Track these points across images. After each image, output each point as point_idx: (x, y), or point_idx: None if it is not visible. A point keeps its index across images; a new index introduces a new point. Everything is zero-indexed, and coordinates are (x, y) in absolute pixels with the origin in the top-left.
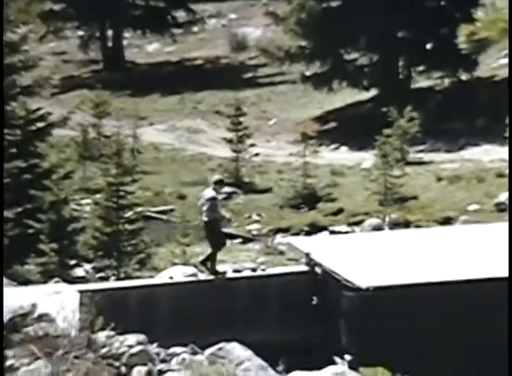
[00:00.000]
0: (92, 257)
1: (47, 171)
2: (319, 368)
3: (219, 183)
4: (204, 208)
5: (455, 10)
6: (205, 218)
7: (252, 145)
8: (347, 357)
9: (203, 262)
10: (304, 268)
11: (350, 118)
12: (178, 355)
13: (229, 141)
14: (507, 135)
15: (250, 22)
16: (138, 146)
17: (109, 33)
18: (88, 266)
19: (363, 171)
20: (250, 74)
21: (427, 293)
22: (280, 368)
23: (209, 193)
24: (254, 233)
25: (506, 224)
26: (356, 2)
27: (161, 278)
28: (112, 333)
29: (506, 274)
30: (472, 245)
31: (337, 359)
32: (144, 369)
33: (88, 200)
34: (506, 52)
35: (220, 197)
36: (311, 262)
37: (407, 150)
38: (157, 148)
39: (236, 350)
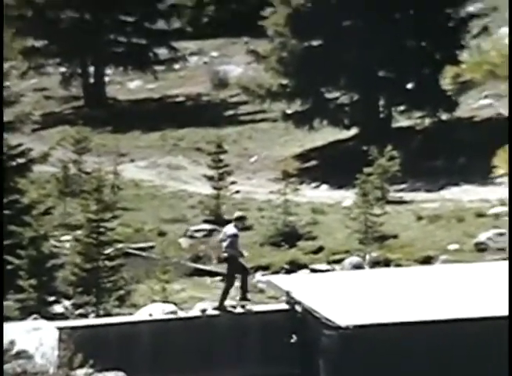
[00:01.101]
0: (72, 293)
1: (27, 206)
2: None
3: (240, 220)
4: (224, 244)
5: (435, 50)
6: (224, 254)
7: (233, 182)
8: None
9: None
10: (285, 306)
11: (331, 157)
12: None
13: (210, 178)
14: (492, 175)
15: (231, 60)
16: (119, 182)
17: (91, 69)
18: (67, 303)
19: (344, 209)
20: (231, 112)
21: (407, 332)
22: None
23: (230, 229)
24: None
25: (486, 264)
26: (337, 41)
27: (141, 315)
28: (91, 370)
29: (485, 314)
30: (452, 285)
31: None
32: None
33: (68, 237)
34: (487, 93)
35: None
36: (291, 300)
37: (387, 189)
38: (138, 185)
39: None
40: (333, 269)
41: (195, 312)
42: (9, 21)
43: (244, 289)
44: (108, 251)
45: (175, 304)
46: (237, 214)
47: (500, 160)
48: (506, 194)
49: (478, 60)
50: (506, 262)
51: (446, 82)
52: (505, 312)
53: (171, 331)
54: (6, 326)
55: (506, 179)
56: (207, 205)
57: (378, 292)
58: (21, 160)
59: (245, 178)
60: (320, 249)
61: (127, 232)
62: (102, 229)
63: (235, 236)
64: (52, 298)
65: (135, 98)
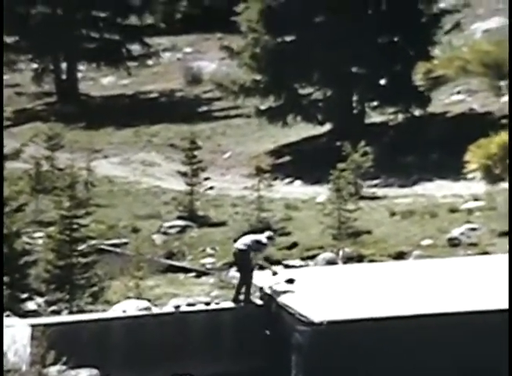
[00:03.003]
0: (45, 290)
1: None
2: None
3: (272, 238)
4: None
5: (408, 46)
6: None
7: (206, 178)
8: None
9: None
10: (258, 302)
11: (304, 152)
12: None
13: (184, 174)
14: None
15: (205, 56)
16: (92, 178)
17: (64, 65)
18: (40, 300)
19: (317, 205)
20: (205, 108)
21: (381, 328)
22: None
23: (263, 238)
24: (208, 266)
25: (459, 259)
26: (310, 37)
27: (114, 312)
28: (64, 367)
29: (458, 308)
30: (425, 280)
31: None
32: None
33: (41, 233)
34: (459, 88)
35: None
36: (265, 296)
37: (361, 185)
38: (111, 181)
39: None
40: (307, 265)
41: (169, 308)
42: None
43: (248, 290)
44: (81, 247)
45: (149, 300)
46: (268, 233)
47: (472, 155)
48: (479, 189)
49: (450, 56)
50: (480, 257)
51: (418, 78)
52: (479, 307)
53: (145, 328)
54: None
55: (478, 174)
56: (181, 201)
57: (352, 288)
58: None
59: (219, 175)
60: (294, 245)
61: (100, 228)
62: (75, 226)
63: (265, 245)
64: (24, 295)
65: (108, 94)
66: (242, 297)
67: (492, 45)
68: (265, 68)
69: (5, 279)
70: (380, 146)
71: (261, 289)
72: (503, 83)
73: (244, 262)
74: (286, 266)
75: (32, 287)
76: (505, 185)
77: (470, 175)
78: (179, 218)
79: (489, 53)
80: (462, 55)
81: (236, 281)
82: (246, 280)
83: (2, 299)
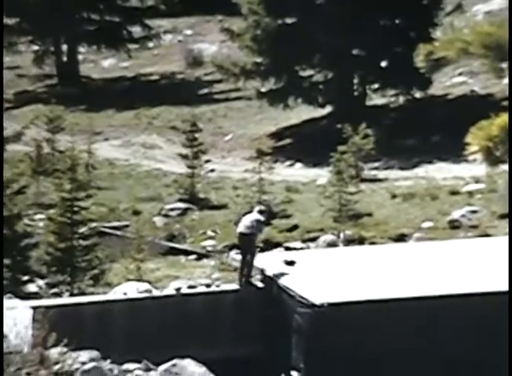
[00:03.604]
0: (46, 273)
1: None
2: None
3: (263, 212)
4: (248, 224)
5: (409, 28)
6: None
7: (207, 161)
8: (294, 374)
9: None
10: (259, 284)
11: (305, 135)
12: (131, 371)
13: (185, 157)
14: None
15: (205, 38)
16: (93, 161)
17: (64, 47)
18: (41, 282)
19: (318, 187)
20: (205, 90)
21: (382, 309)
22: None
23: (255, 215)
24: (209, 249)
25: (460, 241)
26: (311, 19)
27: (115, 294)
28: (65, 349)
29: (458, 291)
30: (426, 262)
31: None
32: None
33: (42, 216)
34: (461, 70)
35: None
36: (265, 279)
37: (362, 167)
38: (112, 163)
39: (190, 367)
40: (308, 247)
41: (170, 290)
42: None
43: (250, 272)
44: (82, 230)
45: (150, 283)
46: (259, 207)
47: (473, 137)
48: (480, 172)
49: (451, 38)
50: (480, 239)
51: (419, 60)
52: (480, 288)
53: (146, 310)
54: None
55: (478, 156)
56: (182, 184)
57: (352, 270)
58: None
59: (220, 157)
60: (295, 227)
61: (101, 211)
62: (76, 209)
63: (263, 222)
64: (26, 278)
65: (109, 76)
66: (244, 279)
67: (493, 26)
68: (265, 50)
69: (7, 261)
70: (381, 129)
71: (261, 271)
72: (504, 65)
73: (249, 244)
74: (287, 249)
75: (33, 270)
76: (505, 167)
77: (470, 157)
78: (180, 200)
79: (490, 35)
80: (463, 37)
81: (236, 264)
82: (249, 262)
83: (2, 285)
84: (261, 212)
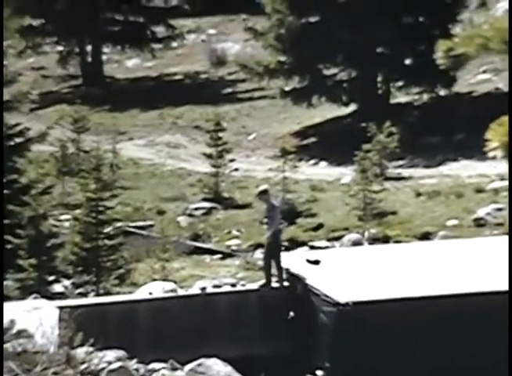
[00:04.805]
0: (71, 273)
1: (26, 186)
2: None
3: (264, 193)
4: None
5: (433, 26)
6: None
7: (232, 160)
8: (319, 373)
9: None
10: (284, 283)
11: (329, 133)
12: (157, 371)
13: (209, 156)
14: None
15: (229, 37)
16: (118, 161)
17: (89, 48)
18: (67, 282)
19: (342, 186)
20: (229, 90)
21: (406, 308)
22: None
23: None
24: (234, 248)
25: (485, 239)
26: (335, 18)
27: (141, 294)
28: (91, 349)
29: (485, 289)
30: (451, 260)
31: None
32: None
33: (67, 216)
34: (485, 67)
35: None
36: (290, 277)
37: (386, 166)
38: (137, 163)
39: (216, 366)
40: (333, 246)
41: (195, 290)
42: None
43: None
44: (107, 229)
45: (175, 282)
46: (261, 188)
47: (493, 133)
48: (505, 169)
49: (470, 34)
50: (506, 237)
51: (439, 56)
52: (505, 287)
53: (171, 310)
54: (6, 305)
55: (499, 153)
56: (206, 183)
57: (377, 269)
58: (19, 140)
59: (244, 156)
60: (319, 226)
61: (126, 211)
62: (101, 208)
63: (274, 207)
64: (51, 278)
65: (133, 76)
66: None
67: None
68: (289, 49)
69: (33, 261)
70: (405, 127)
71: (286, 270)
72: None
73: (279, 241)
74: (312, 248)
75: (59, 270)
76: None
77: (490, 154)
78: (204, 200)
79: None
80: (482, 32)
81: (261, 263)
82: (279, 260)
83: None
84: (261, 193)
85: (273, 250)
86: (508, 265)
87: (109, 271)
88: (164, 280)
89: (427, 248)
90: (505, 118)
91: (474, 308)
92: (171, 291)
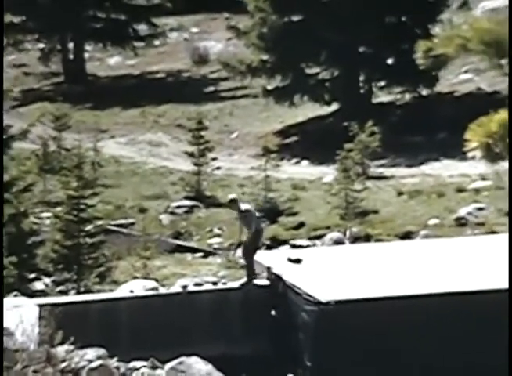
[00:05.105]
0: (52, 270)
1: (7, 184)
2: None
3: (233, 202)
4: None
5: (415, 26)
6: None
7: (214, 159)
8: (300, 371)
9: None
10: (266, 282)
11: (311, 132)
12: (138, 369)
13: (191, 155)
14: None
15: (211, 36)
16: (99, 159)
17: (71, 45)
18: (47, 280)
19: (324, 185)
20: (211, 88)
21: (388, 307)
22: None
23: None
24: (216, 246)
25: (466, 238)
26: (317, 17)
27: (122, 292)
28: (71, 347)
29: (466, 288)
30: (432, 259)
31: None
32: None
33: (48, 214)
34: (467, 67)
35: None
36: (272, 276)
37: (368, 165)
38: (118, 161)
39: (197, 364)
40: (314, 245)
41: (176, 288)
42: None
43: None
44: (88, 227)
45: (156, 280)
46: (230, 196)
47: (472, 134)
48: (486, 169)
49: (450, 34)
50: (487, 237)
51: (419, 57)
52: (487, 286)
53: (152, 308)
54: None
55: (478, 153)
56: (188, 182)
57: (359, 268)
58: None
59: (226, 155)
60: (301, 225)
61: (107, 209)
62: (82, 206)
63: (246, 212)
64: (32, 275)
65: (115, 74)
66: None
67: (491, 22)
68: (272, 48)
69: (13, 259)
70: (387, 126)
71: (268, 269)
72: (504, 61)
73: (258, 241)
74: (294, 246)
75: (40, 267)
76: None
77: (470, 154)
78: (186, 198)
79: (489, 31)
80: (462, 33)
81: (242, 261)
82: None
83: (2, 285)
84: (231, 201)
85: (252, 248)
86: (508, 264)
87: (90, 269)
88: (146, 278)
89: (409, 247)
90: (484, 119)
91: (455, 307)
92: (153, 289)
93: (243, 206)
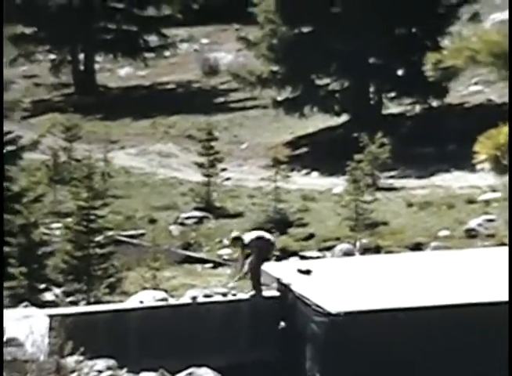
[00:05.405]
0: (62, 281)
1: (17, 194)
2: None
3: (237, 239)
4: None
5: (425, 37)
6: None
7: (223, 169)
8: None
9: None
10: (275, 293)
11: (321, 143)
12: None
13: (201, 165)
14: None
15: (222, 47)
16: (110, 169)
17: (81, 56)
18: (57, 290)
19: (334, 196)
20: (221, 99)
21: (398, 319)
22: None
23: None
24: (225, 257)
25: (477, 250)
26: (327, 28)
27: (131, 302)
28: (81, 358)
29: (477, 300)
30: (443, 271)
31: None
32: None
33: (59, 224)
34: (477, 79)
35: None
36: (281, 287)
37: (378, 176)
38: (128, 172)
39: (207, 375)
40: (324, 256)
41: (186, 299)
42: None
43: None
44: (98, 238)
45: (166, 291)
46: (233, 235)
47: (481, 146)
48: (496, 181)
49: (459, 46)
50: (497, 248)
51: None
52: (496, 298)
53: (162, 319)
54: None
55: (487, 165)
56: (198, 192)
57: (369, 279)
58: (11, 148)
59: (236, 166)
60: (311, 236)
61: (117, 219)
62: (92, 217)
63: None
64: (42, 286)
65: (126, 85)
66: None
67: (500, 35)
68: (282, 59)
69: (23, 269)
70: (397, 137)
71: (277, 280)
72: None
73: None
74: (303, 257)
75: (50, 278)
76: None
77: (478, 166)
78: (196, 209)
79: (499, 43)
80: (471, 45)
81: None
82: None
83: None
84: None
85: (260, 261)
86: (508, 276)
87: (100, 279)
88: (155, 288)
89: (419, 259)
90: (493, 131)
91: (465, 319)
92: (162, 299)
93: (247, 239)
